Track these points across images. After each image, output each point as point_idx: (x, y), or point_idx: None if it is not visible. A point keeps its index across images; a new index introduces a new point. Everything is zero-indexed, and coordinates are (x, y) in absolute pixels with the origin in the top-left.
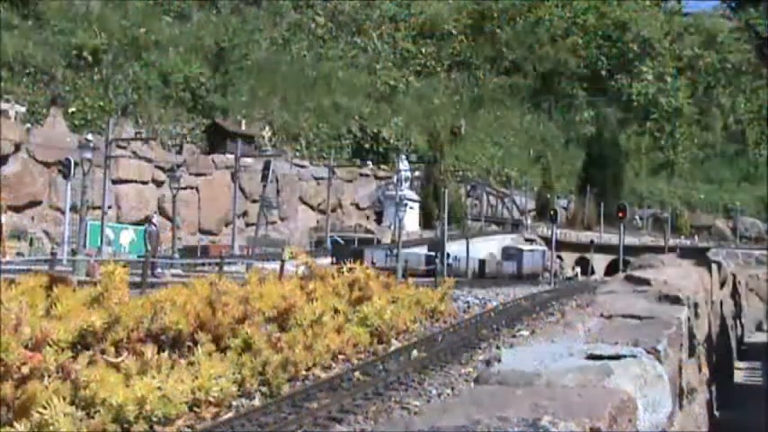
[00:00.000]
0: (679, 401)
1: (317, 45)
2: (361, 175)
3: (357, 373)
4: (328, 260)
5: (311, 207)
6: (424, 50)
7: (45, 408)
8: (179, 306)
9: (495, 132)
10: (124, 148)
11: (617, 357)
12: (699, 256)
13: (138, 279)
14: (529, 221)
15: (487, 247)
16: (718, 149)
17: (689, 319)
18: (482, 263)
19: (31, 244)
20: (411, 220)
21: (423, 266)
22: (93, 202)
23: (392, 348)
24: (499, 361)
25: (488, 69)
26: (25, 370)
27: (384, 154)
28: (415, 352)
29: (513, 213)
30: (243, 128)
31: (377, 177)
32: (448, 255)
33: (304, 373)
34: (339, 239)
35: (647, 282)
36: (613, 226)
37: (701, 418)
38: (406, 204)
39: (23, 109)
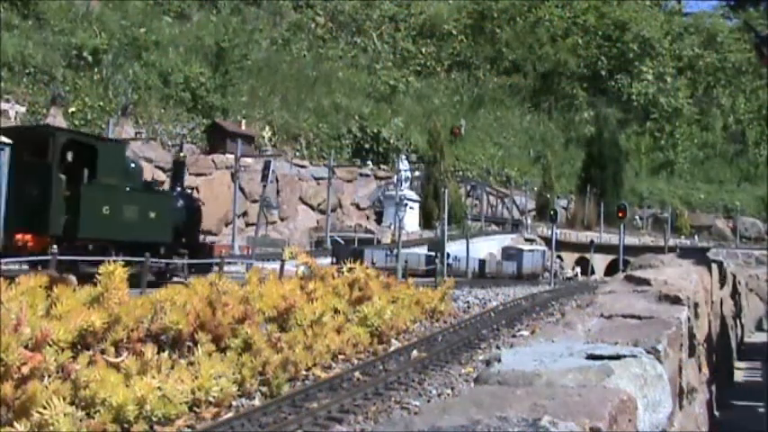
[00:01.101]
0: (679, 401)
1: (317, 45)
2: (361, 175)
3: (357, 373)
4: (328, 260)
5: (311, 207)
6: (424, 50)
7: (45, 408)
8: (179, 306)
9: (495, 132)
10: None
11: (617, 357)
12: (699, 256)
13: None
14: (529, 221)
15: (487, 247)
16: (718, 149)
17: (689, 319)
18: (482, 263)
19: None
20: (411, 220)
21: (423, 266)
22: None
23: (392, 348)
24: (499, 361)
25: (488, 69)
26: (25, 370)
27: (384, 154)
28: (415, 352)
29: (513, 213)
30: (243, 128)
31: (377, 177)
32: (448, 255)
33: (304, 373)
34: (339, 239)
35: (647, 282)
36: (613, 226)
37: (701, 418)
38: (406, 204)
39: (23, 109)
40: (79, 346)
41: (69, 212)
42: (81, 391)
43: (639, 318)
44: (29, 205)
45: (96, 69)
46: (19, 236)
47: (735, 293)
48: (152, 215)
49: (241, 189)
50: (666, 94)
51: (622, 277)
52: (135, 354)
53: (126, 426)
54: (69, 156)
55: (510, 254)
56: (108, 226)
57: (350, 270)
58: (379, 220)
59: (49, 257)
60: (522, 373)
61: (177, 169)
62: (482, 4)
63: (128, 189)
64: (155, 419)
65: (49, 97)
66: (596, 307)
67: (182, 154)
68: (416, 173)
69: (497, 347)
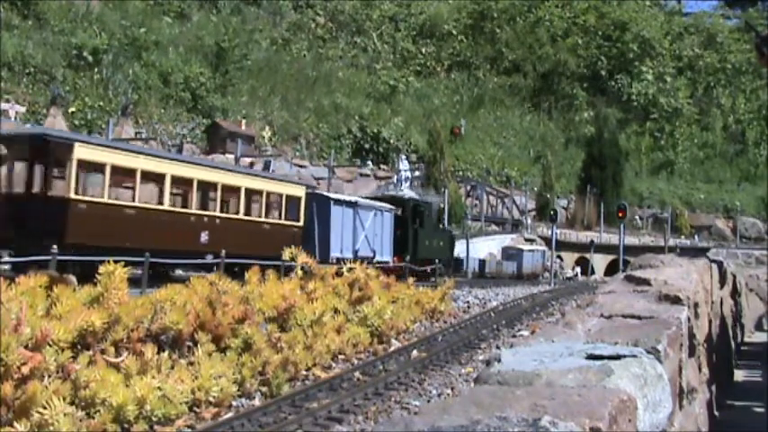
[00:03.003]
0: (679, 401)
1: (317, 45)
2: (361, 175)
3: (357, 373)
4: None
5: None
6: (424, 50)
7: (45, 408)
8: (179, 306)
9: (495, 132)
10: None
11: (617, 357)
12: (699, 256)
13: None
14: (529, 221)
15: (487, 247)
16: (718, 149)
17: (689, 318)
18: (482, 263)
19: None
20: None
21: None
22: None
23: (392, 348)
24: (499, 361)
25: (488, 69)
26: (25, 370)
27: (384, 154)
28: (415, 352)
29: (513, 213)
30: (243, 128)
31: (377, 177)
32: None
33: (304, 373)
34: None
35: (647, 282)
36: (613, 226)
37: (701, 418)
38: None
39: (23, 109)
40: (79, 346)
41: (413, 244)
42: (81, 391)
43: (639, 318)
44: (398, 241)
45: (96, 69)
46: (394, 258)
47: (735, 293)
48: (441, 243)
49: None
50: (666, 94)
51: (622, 277)
52: (135, 354)
53: (126, 426)
54: (413, 213)
55: (510, 254)
56: (427, 250)
57: (350, 270)
58: None
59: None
60: (522, 373)
61: (440, 214)
62: (482, 4)
63: (432, 229)
64: (155, 419)
65: (49, 97)
66: (596, 307)
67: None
68: (416, 173)
69: (497, 347)
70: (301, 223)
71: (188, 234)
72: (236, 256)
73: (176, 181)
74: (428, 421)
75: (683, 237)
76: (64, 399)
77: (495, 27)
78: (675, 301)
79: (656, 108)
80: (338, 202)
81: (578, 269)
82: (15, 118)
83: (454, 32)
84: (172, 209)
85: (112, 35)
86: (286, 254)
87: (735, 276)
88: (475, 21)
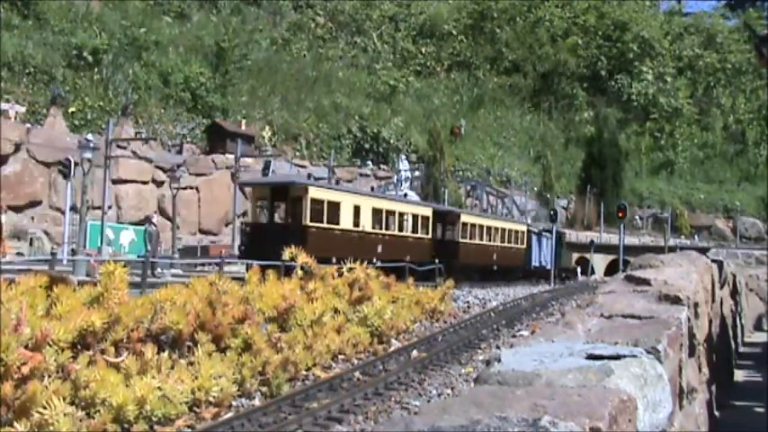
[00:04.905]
0: (679, 401)
1: (317, 45)
2: (361, 175)
3: (357, 373)
4: None
5: None
6: (424, 50)
7: (45, 408)
8: (179, 306)
9: (495, 132)
10: (124, 148)
11: (617, 357)
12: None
13: (138, 279)
14: (529, 221)
15: None
16: (718, 149)
17: (689, 319)
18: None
19: (30, 244)
20: None
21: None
22: (93, 202)
23: (392, 348)
24: (499, 361)
25: (488, 69)
26: (25, 370)
27: (384, 154)
28: (415, 352)
29: (513, 213)
30: (243, 128)
31: (377, 177)
32: None
33: (304, 373)
34: None
35: (647, 282)
36: (613, 226)
37: (701, 418)
38: None
39: (23, 109)
40: (79, 346)
41: (558, 257)
42: (81, 391)
43: (639, 318)
44: (546, 255)
45: (96, 69)
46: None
47: (735, 293)
48: (568, 256)
49: (241, 189)
50: (666, 94)
51: (622, 277)
52: (135, 354)
53: (126, 426)
54: (558, 237)
55: None
56: (563, 261)
57: (350, 270)
58: None
59: None
60: (522, 373)
61: (544, 231)
62: (482, 4)
63: (563, 247)
64: (155, 419)
65: (49, 97)
66: (596, 307)
67: (540, 227)
68: (416, 173)
69: (497, 347)
70: (524, 246)
71: (509, 256)
72: (505, 265)
73: (506, 231)
74: (428, 421)
75: (683, 237)
76: (64, 399)
77: (495, 27)
78: (675, 301)
79: (656, 108)
80: (535, 233)
81: (578, 269)
82: (15, 118)
83: (454, 32)
84: (502, 244)
85: (112, 35)
86: (286, 254)
87: (735, 276)
88: (475, 21)
